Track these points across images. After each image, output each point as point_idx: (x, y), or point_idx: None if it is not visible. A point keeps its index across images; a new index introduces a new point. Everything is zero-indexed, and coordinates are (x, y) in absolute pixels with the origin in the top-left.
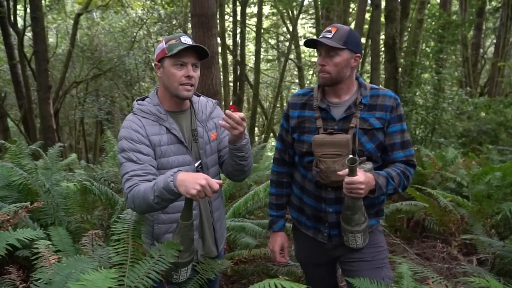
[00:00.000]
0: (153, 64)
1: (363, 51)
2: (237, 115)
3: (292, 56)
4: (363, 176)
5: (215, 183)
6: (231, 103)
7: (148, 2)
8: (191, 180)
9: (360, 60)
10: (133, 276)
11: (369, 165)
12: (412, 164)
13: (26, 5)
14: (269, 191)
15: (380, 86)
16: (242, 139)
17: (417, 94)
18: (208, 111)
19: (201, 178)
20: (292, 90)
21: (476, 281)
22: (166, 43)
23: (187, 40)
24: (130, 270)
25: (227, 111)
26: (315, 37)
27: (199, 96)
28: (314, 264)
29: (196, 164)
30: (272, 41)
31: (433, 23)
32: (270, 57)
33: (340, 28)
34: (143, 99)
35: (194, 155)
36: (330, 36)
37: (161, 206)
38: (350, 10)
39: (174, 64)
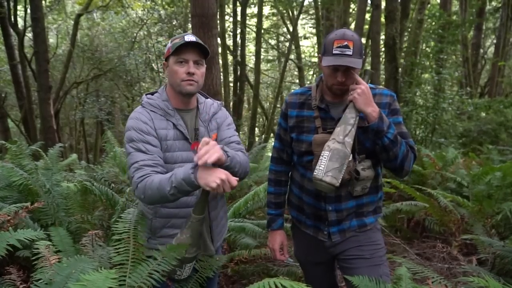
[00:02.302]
0: (153, 65)
1: (363, 51)
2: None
3: (292, 56)
4: (369, 89)
5: (234, 179)
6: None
7: (148, 3)
8: (212, 174)
9: None
10: (136, 277)
11: (368, 162)
12: (413, 152)
13: (27, 6)
14: (268, 190)
15: (377, 85)
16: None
17: (417, 94)
18: (212, 112)
19: (222, 173)
20: (292, 90)
21: (475, 281)
22: (171, 42)
23: (190, 38)
24: (133, 270)
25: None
26: (325, 55)
27: (207, 97)
28: (313, 263)
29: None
30: (272, 42)
31: (433, 23)
32: (270, 58)
33: (354, 40)
34: (152, 94)
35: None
36: (351, 52)
37: (175, 198)
38: (350, 10)
39: (176, 61)
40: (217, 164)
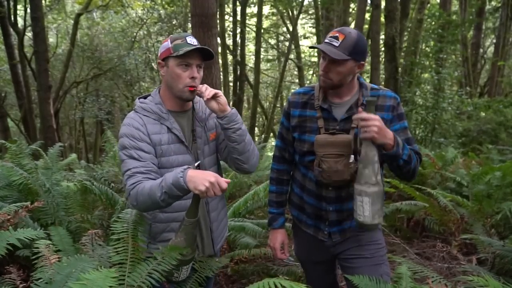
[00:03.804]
0: (153, 64)
1: (356, 51)
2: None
3: (292, 56)
4: (379, 119)
5: (223, 181)
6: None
7: (148, 2)
8: (201, 177)
9: (364, 67)
10: (135, 276)
11: None
12: (419, 157)
13: (26, 5)
14: (269, 188)
15: (380, 86)
16: (226, 109)
17: (417, 94)
18: (208, 111)
19: (211, 176)
20: (292, 90)
21: (475, 280)
22: (171, 42)
23: (192, 40)
24: (132, 270)
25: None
26: (315, 39)
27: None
28: (314, 262)
29: (195, 165)
30: (272, 41)
31: (433, 23)
32: (270, 57)
33: (347, 36)
34: (145, 97)
35: (194, 155)
36: (337, 44)
37: (167, 203)
38: (350, 10)
39: (179, 64)
40: (218, 108)
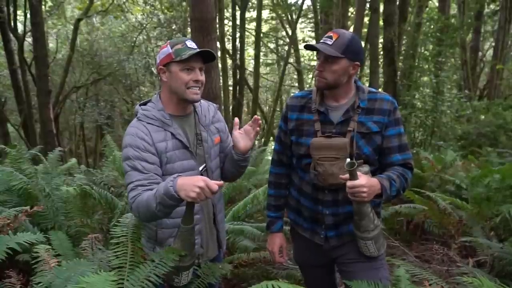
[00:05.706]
0: (153, 69)
1: (350, 51)
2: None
3: (291, 60)
4: (365, 180)
5: (213, 184)
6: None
7: (147, 7)
8: (190, 183)
9: (359, 68)
10: (133, 279)
11: (366, 168)
12: (410, 167)
13: (26, 11)
14: (268, 192)
15: (379, 89)
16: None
17: (416, 97)
18: (211, 115)
19: (200, 180)
20: (292, 94)
21: (468, 280)
22: (172, 47)
23: (192, 44)
24: (130, 273)
25: (256, 116)
26: (314, 42)
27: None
28: (312, 266)
29: (201, 168)
30: (272, 45)
31: (432, 26)
32: (269, 61)
33: (341, 35)
34: (145, 104)
35: (199, 159)
36: (330, 43)
37: (164, 213)
38: (349, 14)
39: (183, 68)
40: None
